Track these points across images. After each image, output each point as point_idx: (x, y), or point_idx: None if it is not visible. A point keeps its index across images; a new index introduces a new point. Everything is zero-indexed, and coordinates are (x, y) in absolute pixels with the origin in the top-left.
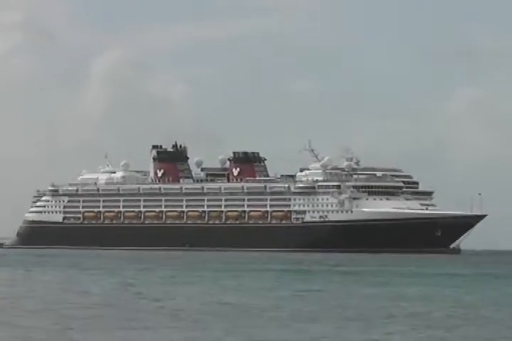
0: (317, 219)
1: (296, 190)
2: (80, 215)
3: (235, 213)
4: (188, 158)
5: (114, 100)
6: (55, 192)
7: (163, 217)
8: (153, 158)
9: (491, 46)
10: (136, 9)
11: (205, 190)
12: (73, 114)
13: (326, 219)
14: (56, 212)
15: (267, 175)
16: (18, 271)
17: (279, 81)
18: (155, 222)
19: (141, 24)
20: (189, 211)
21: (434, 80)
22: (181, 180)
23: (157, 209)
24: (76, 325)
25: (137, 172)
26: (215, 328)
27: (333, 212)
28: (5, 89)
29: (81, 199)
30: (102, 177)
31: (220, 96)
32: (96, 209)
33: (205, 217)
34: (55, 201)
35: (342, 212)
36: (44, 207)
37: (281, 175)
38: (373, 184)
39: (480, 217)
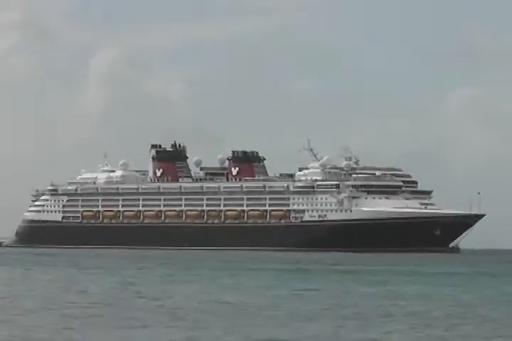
0: (316, 219)
1: (295, 190)
2: (79, 214)
3: (234, 212)
4: (187, 158)
5: (113, 99)
6: (54, 192)
7: (162, 216)
8: (153, 158)
9: (491, 46)
10: (135, 9)
11: (204, 190)
12: (72, 113)
13: (325, 219)
14: (55, 212)
15: (266, 175)
16: (17, 270)
17: (279, 81)
18: (154, 221)
19: (141, 24)
20: (188, 210)
21: (434, 80)
22: (180, 180)
23: (156, 209)
24: (75, 324)
25: (136, 171)
26: (214, 327)
27: (332, 211)
28: (4, 89)
29: (80, 198)
30: (101, 177)
31: (219, 96)
32: (95, 209)
33: (204, 216)
34: (54, 200)
35: (341, 211)
36: (43, 206)
37: (281, 175)
38: (372, 183)
39: (479, 217)
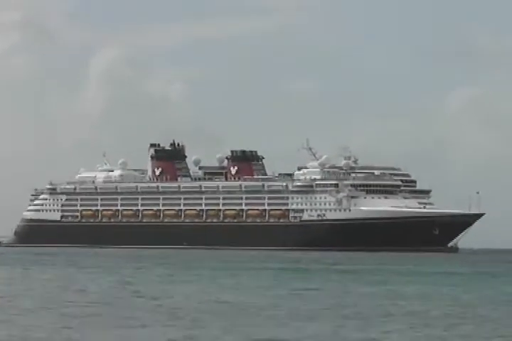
0: (315, 218)
1: (294, 189)
2: (78, 213)
3: (233, 211)
4: (185, 157)
5: (113, 99)
6: (53, 191)
7: (161, 215)
8: (151, 157)
9: (491, 46)
10: (135, 9)
11: (203, 189)
12: (72, 113)
13: (324, 218)
14: (54, 211)
15: (265, 174)
16: (16, 270)
17: (279, 81)
18: (153, 221)
19: (141, 24)
20: (187, 209)
21: (434, 80)
22: (179, 179)
23: (155, 208)
24: (74, 323)
25: (135, 170)
26: (213, 327)
27: (331, 210)
28: (4, 89)
29: (79, 197)
30: (100, 176)
31: (219, 96)
32: (94, 208)
33: (203, 215)
34: (53, 199)
35: (340, 210)
36: (42, 205)
37: (279, 174)
38: (371, 182)
39: (478, 216)
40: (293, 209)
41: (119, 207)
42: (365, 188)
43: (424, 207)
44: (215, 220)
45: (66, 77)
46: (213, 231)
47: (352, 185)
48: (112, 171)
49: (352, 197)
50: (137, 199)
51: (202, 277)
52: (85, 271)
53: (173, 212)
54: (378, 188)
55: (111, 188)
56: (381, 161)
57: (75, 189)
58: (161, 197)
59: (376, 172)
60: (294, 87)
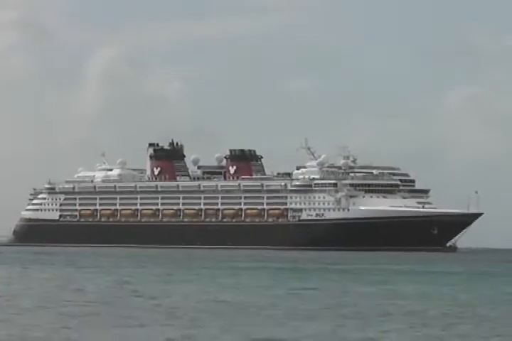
0: (314, 217)
1: (293, 188)
2: (77, 213)
3: (232, 211)
4: (184, 156)
5: (113, 99)
6: (51, 190)
7: (160, 214)
8: (150, 156)
9: (491, 46)
10: (134, 7)
11: (201, 188)
12: (71, 112)
13: (323, 217)
14: (52, 210)
15: (264, 173)
16: (15, 269)
17: (279, 80)
18: (151, 220)
19: (140, 23)
20: (186, 209)
21: (433, 80)
22: (178, 178)
23: (153, 207)
24: (72, 322)
25: (134, 170)
26: (212, 326)
27: (329, 210)
28: (2, 88)
29: (77, 197)
30: (99, 175)
31: (217, 95)
32: (92, 207)
33: (201, 214)
34: (52, 199)
35: (339, 210)
36: (40, 204)
37: (278, 173)
38: (370, 182)
39: (476, 216)
40: (292, 209)
41: (117, 207)
42: (364, 188)
43: (423, 207)
44: (213, 219)
45: (65, 77)
46: (212, 230)
47: (351, 185)
48: (111, 170)
49: (351, 196)
50: (136, 198)
51: (200, 276)
52: (84, 270)
53: (171, 211)
54: (377, 188)
55: (109, 188)
56: (380, 161)
57: (73, 188)
58: (159, 196)
59: (375, 171)
60: (294, 87)
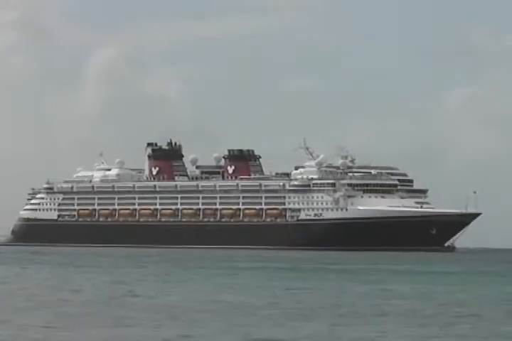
0: (312, 217)
1: (291, 188)
2: (75, 213)
3: (230, 211)
4: (183, 156)
5: (112, 99)
6: (49, 190)
7: (158, 214)
8: (148, 156)
9: (491, 46)
10: (134, 7)
11: (200, 188)
12: (71, 112)
13: (321, 217)
14: (51, 210)
15: (262, 173)
16: (13, 269)
17: (279, 80)
18: (150, 220)
19: (139, 23)
20: (184, 209)
21: (433, 80)
22: (176, 178)
23: (152, 207)
24: (70, 322)
25: (132, 169)
26: (210, 326)
27: (328, 209)
28: (3, 89)
29: (76, 196)
30: (97, 175)
31: (217, 95)
32: (91, 207)
33: (199, 214)
34: (50, 198)
35: (337, 209)
36: (39, 204)
37: (276, 173)
38: (368, 182)
39: (475, 215)
40: (290, 209)
41: (116, 206)
42: (362, 188)
43: (421, 207)
44: (212, 219)
45: (65, 77)
46: (210, 230)
47: (349, 185)
48: (109, 170)
49: (349, 196)
50: (134, 198)
51: (198, 276)
52: (82, 270)
53: (170, 211)
54: (375, 188)
55: (108, 187)
56: (379, 161)
57: (71, 188)
58: (158, 196)
59: (373, 171)
60: (294, 87)
